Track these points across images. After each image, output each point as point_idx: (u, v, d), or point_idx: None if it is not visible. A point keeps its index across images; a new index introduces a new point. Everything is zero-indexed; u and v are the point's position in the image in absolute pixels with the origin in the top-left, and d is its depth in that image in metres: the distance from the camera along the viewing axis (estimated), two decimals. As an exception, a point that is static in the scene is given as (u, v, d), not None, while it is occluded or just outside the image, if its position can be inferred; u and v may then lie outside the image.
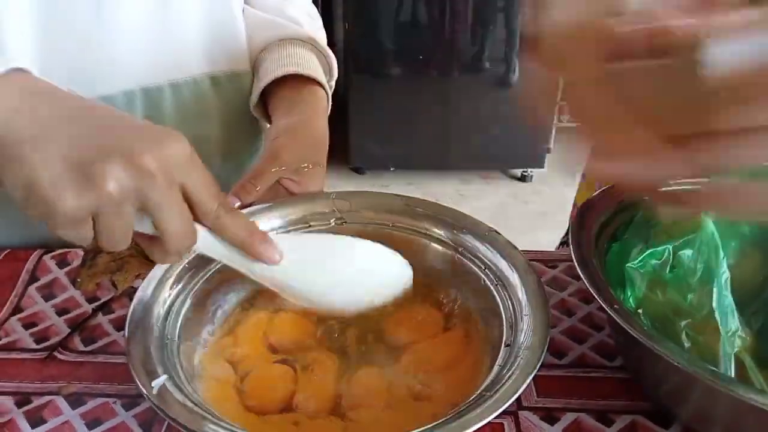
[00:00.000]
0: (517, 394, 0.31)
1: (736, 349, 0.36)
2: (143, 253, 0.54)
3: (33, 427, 0.40)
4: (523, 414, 0.40)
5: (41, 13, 0.47)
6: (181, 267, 0.42)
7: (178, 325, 0.39)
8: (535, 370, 0.33)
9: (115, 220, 0.33)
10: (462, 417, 0.30)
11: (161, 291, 0.40)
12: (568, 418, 0.40)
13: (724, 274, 0.37)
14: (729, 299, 0.37)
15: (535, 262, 0.53)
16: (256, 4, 0.61)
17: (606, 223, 0.45)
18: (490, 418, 0.30)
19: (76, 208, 0.31)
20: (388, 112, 2.22)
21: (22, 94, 0.34)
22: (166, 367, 0.34)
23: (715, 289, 0.38)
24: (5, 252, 0.54)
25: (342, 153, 2.25)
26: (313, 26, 0.63)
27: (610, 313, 0.36)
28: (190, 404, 0.32)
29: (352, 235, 0.44)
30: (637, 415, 0.40)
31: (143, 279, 0.52)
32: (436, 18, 2.13)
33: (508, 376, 0.33)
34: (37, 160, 0.31)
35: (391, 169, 2.32)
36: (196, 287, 0.42)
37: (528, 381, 0.32)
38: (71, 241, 0.34)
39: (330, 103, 0.58)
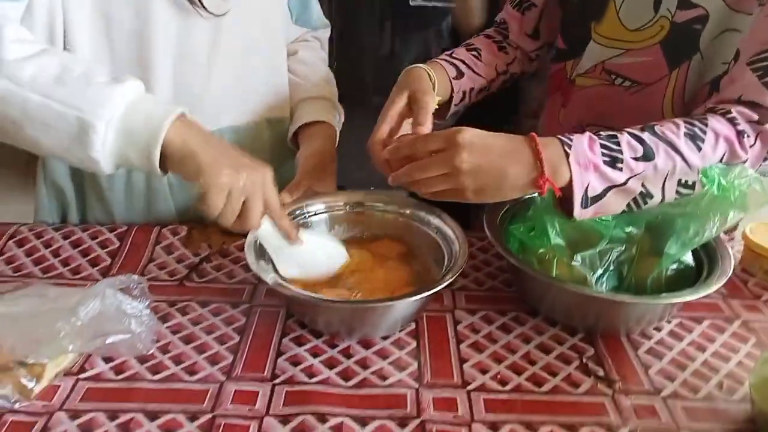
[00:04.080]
0: (445, 284, 0.64)
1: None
2: (222, 231, 0.86)
3: (182, 315, 0.70)
4: (457, 312, 0.73)
5: (175, 83, 0.79)
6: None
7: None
8: (456, 275, 0.66)
9: (237, 202, 0.61)
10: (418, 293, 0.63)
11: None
12: (481, 312, 0.72)
13: (554, 232, 0.69)
14: (560, 242, 0.70)
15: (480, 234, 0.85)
16: (293, 71, 0.94)
17: (506, 212, 0.78)
18: (433, 291, 0.63)
19: (223, 183, 0.59)
20: (368, 138, 2.55)
21: (185, 129, 0.61)
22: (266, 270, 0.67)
23: (551, 237, 0.71)
24: (136, 227, 0.85)
25: (328, 174, 2.57)
26: (330, 86, 0.96)
27: (499, 249, 0.69)
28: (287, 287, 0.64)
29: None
30: (519, 312, 0.73)
31: (227, 246, 0.83)
32: (411, 55, 2.48)
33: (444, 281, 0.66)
34: (206, 157, 0.60)
35: (371, 188, 2.64)
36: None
37: (452, 278, 0.65)
38: (211, 206, 0.60)
39: (338, 136, 0.91)
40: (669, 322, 0.71)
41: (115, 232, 0.84)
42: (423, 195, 0.67)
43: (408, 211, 0.78)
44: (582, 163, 0.63)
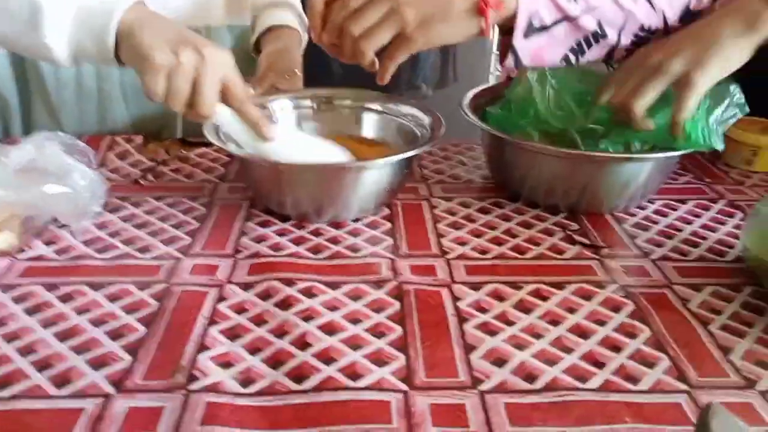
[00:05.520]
0: (424, 147, 0.61)
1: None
2: (179, 141, 0.81)
3: (135, 207, 0.64)
4: (433, 199, 0.68)
5: None
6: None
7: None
8: (433, 143, 0.62)
9: (180, 83, 0.53)
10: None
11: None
12: (459, 199, 0.68)
13: (537, 106, 0.66)
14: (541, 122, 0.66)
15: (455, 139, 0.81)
16: None
17: (487, 99, 0.75)
18: (412, 153, 0.59)
19: (160, 62, 0.52)
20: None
21: (140, 13, 0.56)
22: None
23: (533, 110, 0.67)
24: (87, 136, 0.79)
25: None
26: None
27: (476, 123, 0.65)
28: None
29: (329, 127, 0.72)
30: (499, 198, 0.69)
31: (186, 153, 0.77)
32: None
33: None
34: (145, 37, 0.54)
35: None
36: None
37: (430, 145, 0.62)
38: (150, 90, 0.54)
39: (303, 44, 0.87)
40: (652, 202, 0.68)
41: (63, 140, 0.78)
42: (364, 59, 0.58)
43: (378, 106, 0.74)
44: None
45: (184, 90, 0.55)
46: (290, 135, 0.66)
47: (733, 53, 0.57)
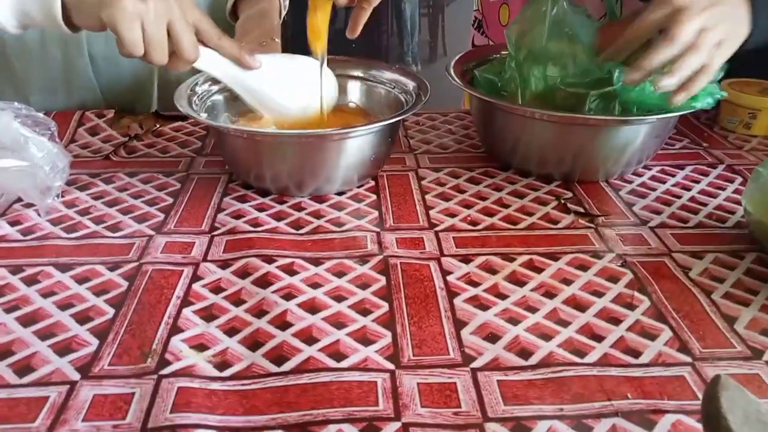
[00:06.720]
0: (409, 112, 0.58)
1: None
2: (154, 115, 0.77)
3: (106, 184, 0.61)
4: (420, 170, 0.65)
5: None
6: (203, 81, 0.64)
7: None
8: (419, 107, 0.59)
9: (157, 29, 0.50)
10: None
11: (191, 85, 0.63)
12: (447, 169, 0.65)
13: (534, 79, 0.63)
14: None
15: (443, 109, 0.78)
16: None
17: (474, 64, 0.72)
18: (391, 120, 0.56)
19: (132, 8, 0.48)
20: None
21: None
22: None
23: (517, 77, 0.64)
24: (55, 112, 0.75)
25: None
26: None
27: (463, 87, 0.62)
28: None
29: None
30: (489, 167, 0.66)
31: (160, 127, 0.74)
32: (366, 26, 2.43)
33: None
34: None
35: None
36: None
37: (416, 108, 0.59)
38: (128, 42, 0.49)
39: (285, 10, 0.83)
40: (648, 169, 0.66)
41: (31, 116, 0.74)
42: None
43: (360, 73, 0.71)
44: None
45: (163, 36, 0.51)
46: (274, 59, 0.61)
47: (742, 28, 0.55)
